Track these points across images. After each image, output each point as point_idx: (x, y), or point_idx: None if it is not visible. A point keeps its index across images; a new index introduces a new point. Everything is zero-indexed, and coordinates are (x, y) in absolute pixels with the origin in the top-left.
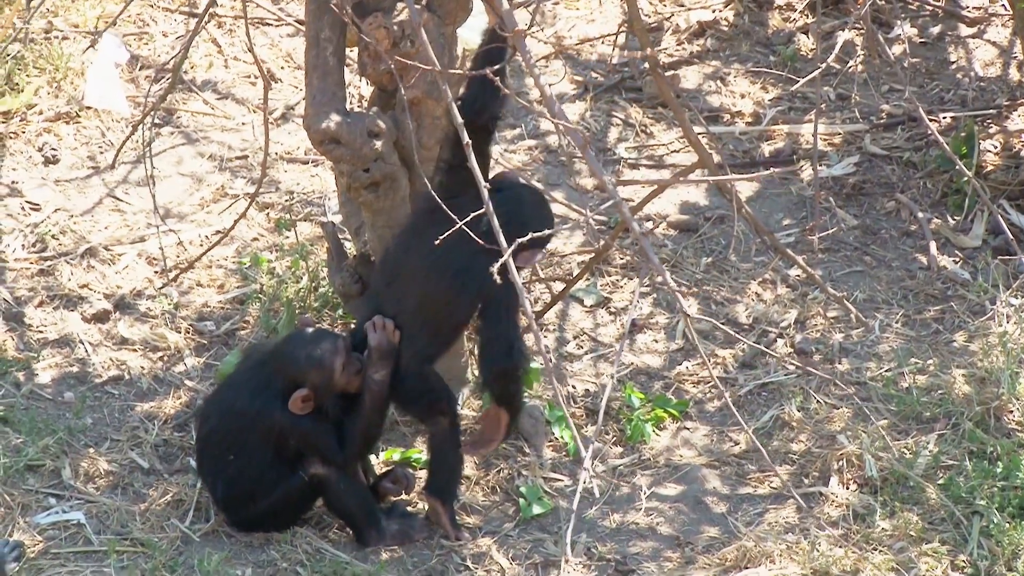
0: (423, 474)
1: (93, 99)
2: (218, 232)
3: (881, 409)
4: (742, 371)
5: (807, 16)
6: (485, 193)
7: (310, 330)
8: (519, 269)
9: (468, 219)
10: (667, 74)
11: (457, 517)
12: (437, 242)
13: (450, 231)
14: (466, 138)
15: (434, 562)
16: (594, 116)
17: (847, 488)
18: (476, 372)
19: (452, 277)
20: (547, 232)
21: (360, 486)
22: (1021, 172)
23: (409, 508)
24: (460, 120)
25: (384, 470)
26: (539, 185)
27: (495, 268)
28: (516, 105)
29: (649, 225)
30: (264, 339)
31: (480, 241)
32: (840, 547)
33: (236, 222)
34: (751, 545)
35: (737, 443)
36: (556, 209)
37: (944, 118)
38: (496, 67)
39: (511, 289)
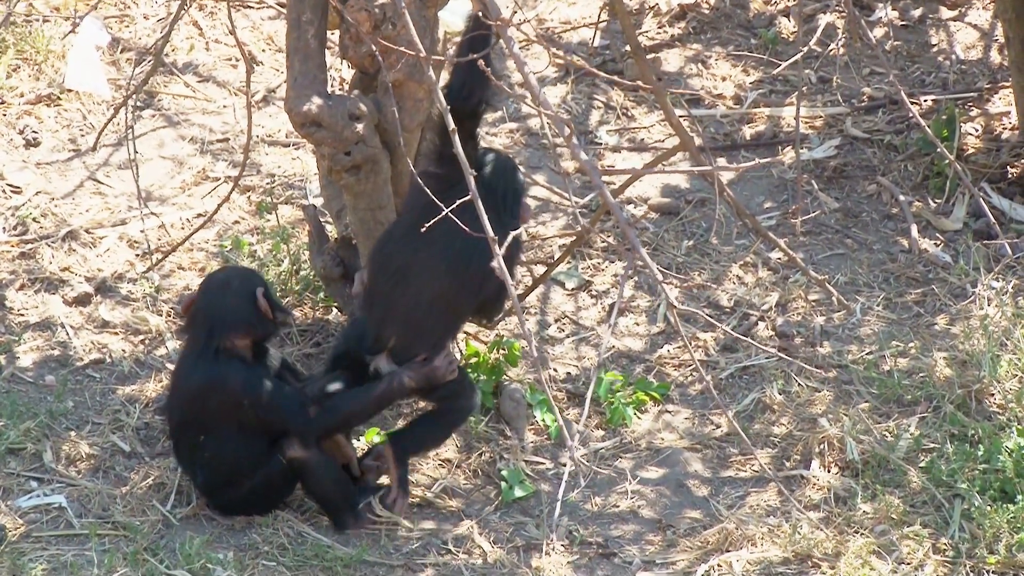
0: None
1: (74, 82)
2: (200, 215)
3: (862, 392)
4: (723, 354)
5: None
6: (471, 180)
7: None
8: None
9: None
10: (649, 57)
11: (411, 484)
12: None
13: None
14: (451, 124)
15: (416, 546)
16: (575, 99)
17: (828, 471)
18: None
19: (477, 267)
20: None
21: (338, 470)
22: (1002, 155)
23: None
24: (445, 105)
25: (366, 450)
26: (520, 169)
27: (497, 263)
28: (501, 92)
29: (631, 208)
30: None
31: (470, 231)
32: (821, 530)
33: (219, 206)
34: (733, 528)
35: (719, 426)
36: (538, 192)
37: (925, 101)
38: (482, 54)
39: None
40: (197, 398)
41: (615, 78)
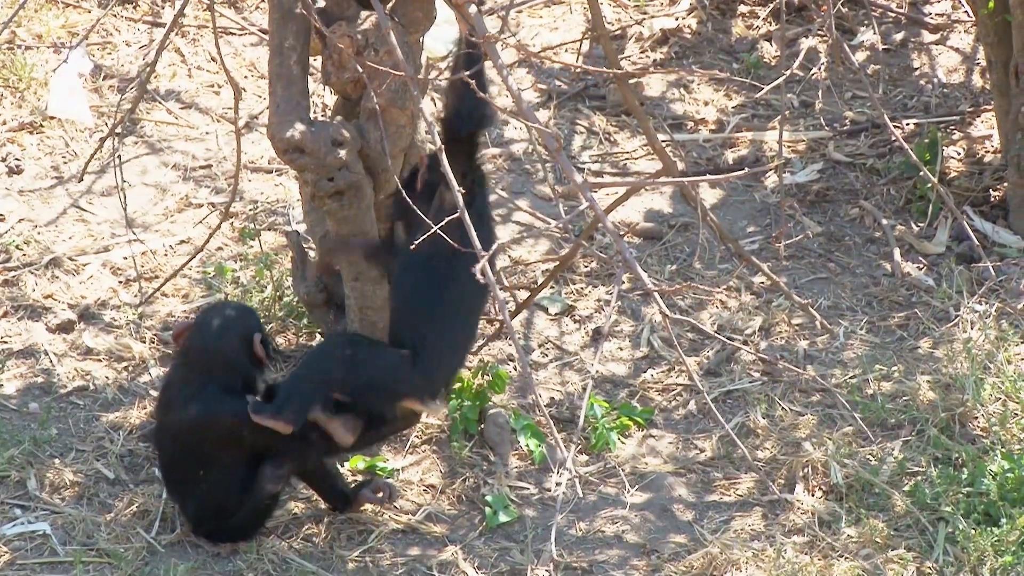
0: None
1: (57, 109)
2: (183, 242)
3: (846, 416)
4: (707, 379)
5: (770, 23)
6: (459, 199)
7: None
8: None
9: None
10: (631, 82)
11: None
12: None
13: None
14: (439, 142)
15: (400, 572)
16: (558, 124)
17: (813, 495)
18: None
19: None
20: None
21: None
22: (985, 178)
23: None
24: (430, 122)
25: (362, 480)
26: (503, 194)
27: (477, 268)
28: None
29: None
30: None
31: (457, 248)
32: (806, 554)
33: (210, 236)
34: (717, 552)
35: (703, 451)
36: (521, 217)
37: (908, 124)
38: (472, 71)
39: None
40: (193, 433)
41: (591, 68)
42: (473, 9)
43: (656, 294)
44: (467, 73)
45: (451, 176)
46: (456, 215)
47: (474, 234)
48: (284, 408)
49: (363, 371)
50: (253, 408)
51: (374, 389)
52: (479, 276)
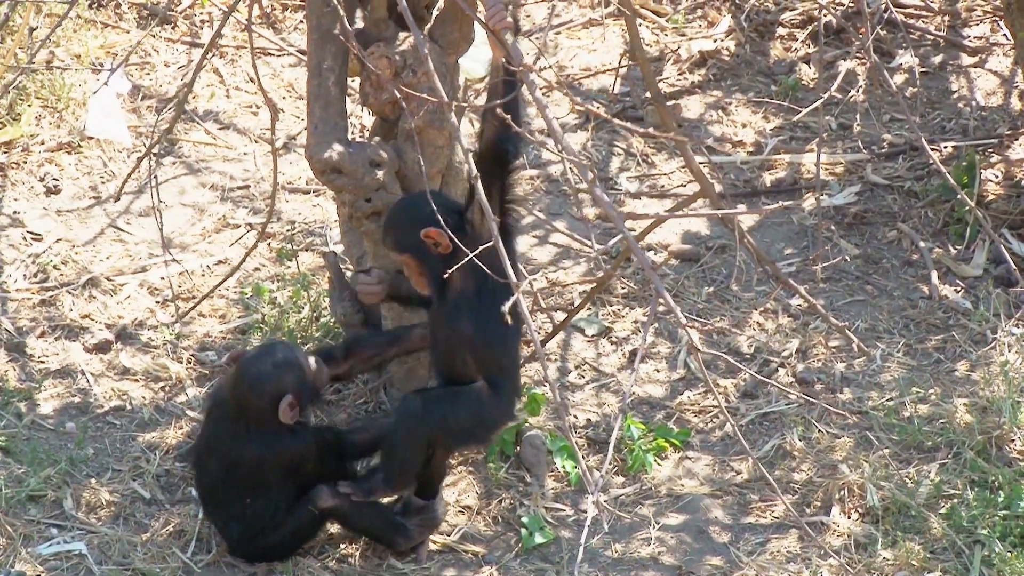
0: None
1: (95, 129)
2: (220, 262)
3: (883, 438)
4: (744, 401)
5: (809, 46)
6: (494, 227)
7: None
8: None
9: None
10: (669, 104)
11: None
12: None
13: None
14: (475, 170)
15: None
16: (595, 146)
17: (849, 517)
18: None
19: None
20: None
21: (370, 503)
22: (1022, 201)
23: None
24: (465, 148)
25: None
26: (541, 215)
27: (506, 308)
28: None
29: (652, 255)
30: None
31: (496, 278)
32: None
33: (246, 256)
34: (753, 575)
35: (739, 473)
36: (559, 239)
37: (945, 147)
38: (507, 100)
39: None
40: (252, 467)
41: (628, 124)
42: (509, 37)
43: (689, 331)
44: (501, 103)
45: (487, 205)
46: (490, 244)
47: (508, 263)
48: (392, 483)
49: (452, 419)
50: (358, 493)
51: (469, 429)
52: (509, 311)
